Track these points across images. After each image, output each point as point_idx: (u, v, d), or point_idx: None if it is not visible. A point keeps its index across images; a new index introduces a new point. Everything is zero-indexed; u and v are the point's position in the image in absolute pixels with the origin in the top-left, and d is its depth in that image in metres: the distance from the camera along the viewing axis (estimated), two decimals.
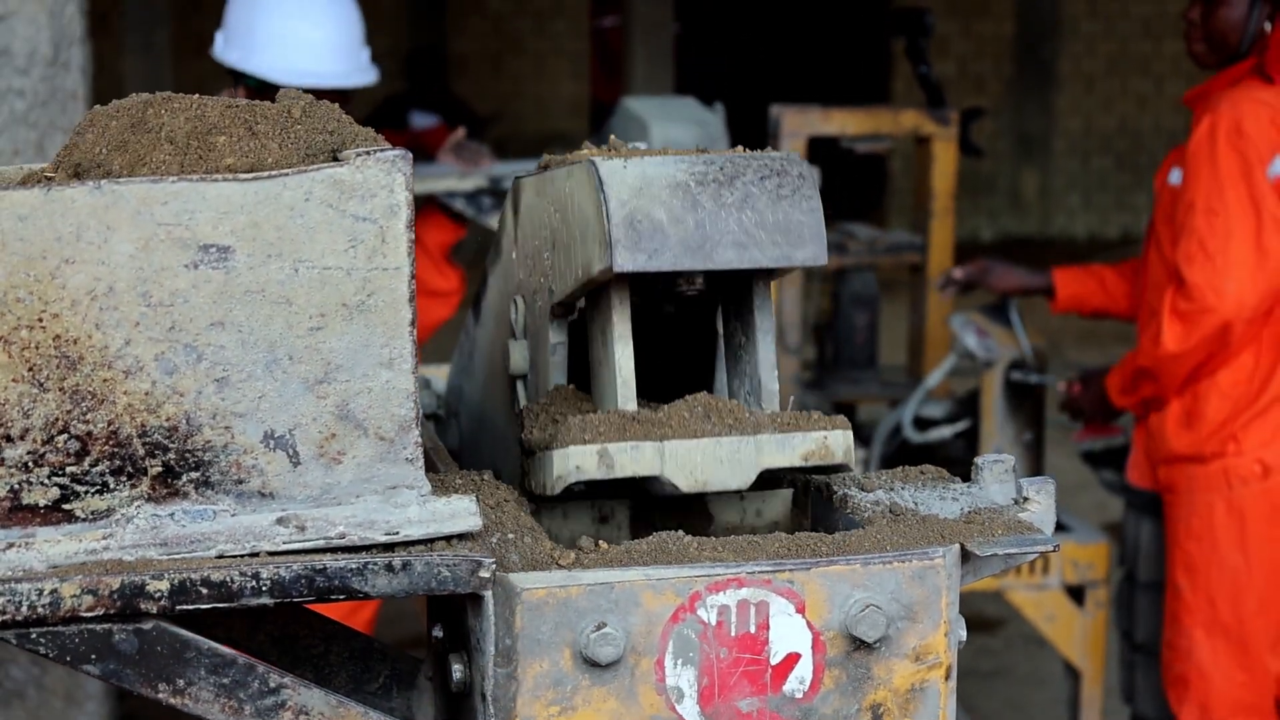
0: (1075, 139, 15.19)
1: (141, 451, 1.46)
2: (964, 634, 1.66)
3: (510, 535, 1.58)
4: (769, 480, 1.80)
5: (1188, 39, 4.12)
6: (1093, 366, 4.47)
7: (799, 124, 5.15)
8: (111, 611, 1.44)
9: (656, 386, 1.82)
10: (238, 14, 4.10)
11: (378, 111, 11.75)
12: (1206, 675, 3.97)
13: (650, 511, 1.84)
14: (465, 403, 2.28)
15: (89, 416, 1.45)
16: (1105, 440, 4.45)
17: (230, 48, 3.98)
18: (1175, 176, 4.07)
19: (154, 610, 1.45)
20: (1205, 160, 3.88)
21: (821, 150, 5.25)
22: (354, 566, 1.49)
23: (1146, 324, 4.03)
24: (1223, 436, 3.92)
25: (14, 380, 1.42)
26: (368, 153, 1.45)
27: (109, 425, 1.45)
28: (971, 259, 4.76)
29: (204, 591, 1.45)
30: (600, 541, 1.61)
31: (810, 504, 1.85)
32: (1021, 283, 4.56)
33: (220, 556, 1.49)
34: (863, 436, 5.01)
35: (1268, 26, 3.99)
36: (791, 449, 1.68)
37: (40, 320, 1.41)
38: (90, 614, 1.44)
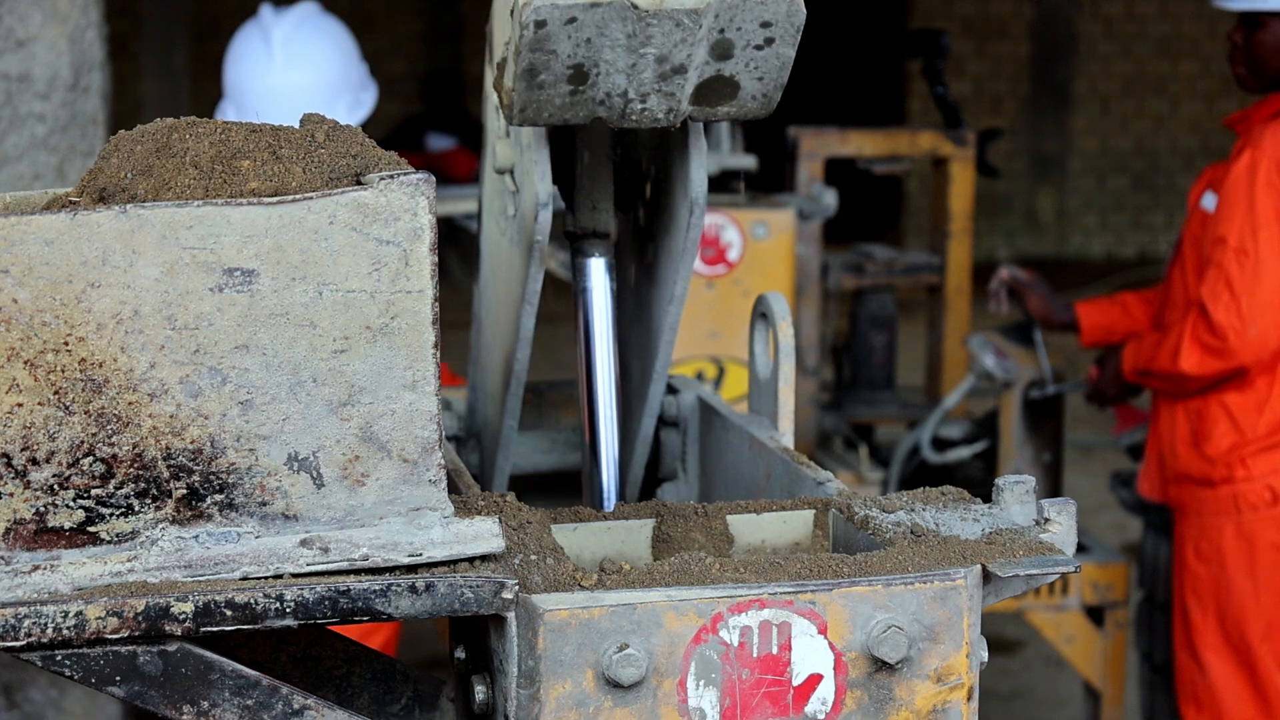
0: (1091, 159, 15.17)
1: (166, 474, 1.47)
2: (985, 655, 1.66)
3: (533, 556, 1.59)
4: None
5: (1231, 61, 4.12)
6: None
7: (816, 145, 5.15)
8: (136, 633, 1.45)
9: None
10: (229, 77, 4.04)
11: (395, 133, 11.79)
12: (1218, 696, 3.96)
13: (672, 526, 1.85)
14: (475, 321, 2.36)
15: (114, 439, 1.45)
16: (1143, 427, 4.45)
17: (233, 114, 3.92)
18: (1209, 201, 4.07)
19: (178, 632, 1.46)
20: (1243, 197, 3.88)
21: (839, 172, 5.25)
22: (378, 588, 1.49)
23: (1166, 334, 4.03)
24: (1230, 461, 3.92)
25: (40, 404, 1.43)
26: (391, 176, 1.46)
27: (134, 448, 1.46)
28: (1026, 269, 4.75)
29: (228, 613, 1.46)
30: (623, 563, 1.61)
31: (831, 525, 1.85)
32: (1048, 315, 4.54)
33: (244, 578, 1.49)
34: (881, 458, 5.00)
35: None
36: None
37: (66, 344, 1.42)
38: (115, 636, 1.44)
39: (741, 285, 4.76)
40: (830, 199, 5.03)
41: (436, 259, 1.48)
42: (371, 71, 4.43)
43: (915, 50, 5.62)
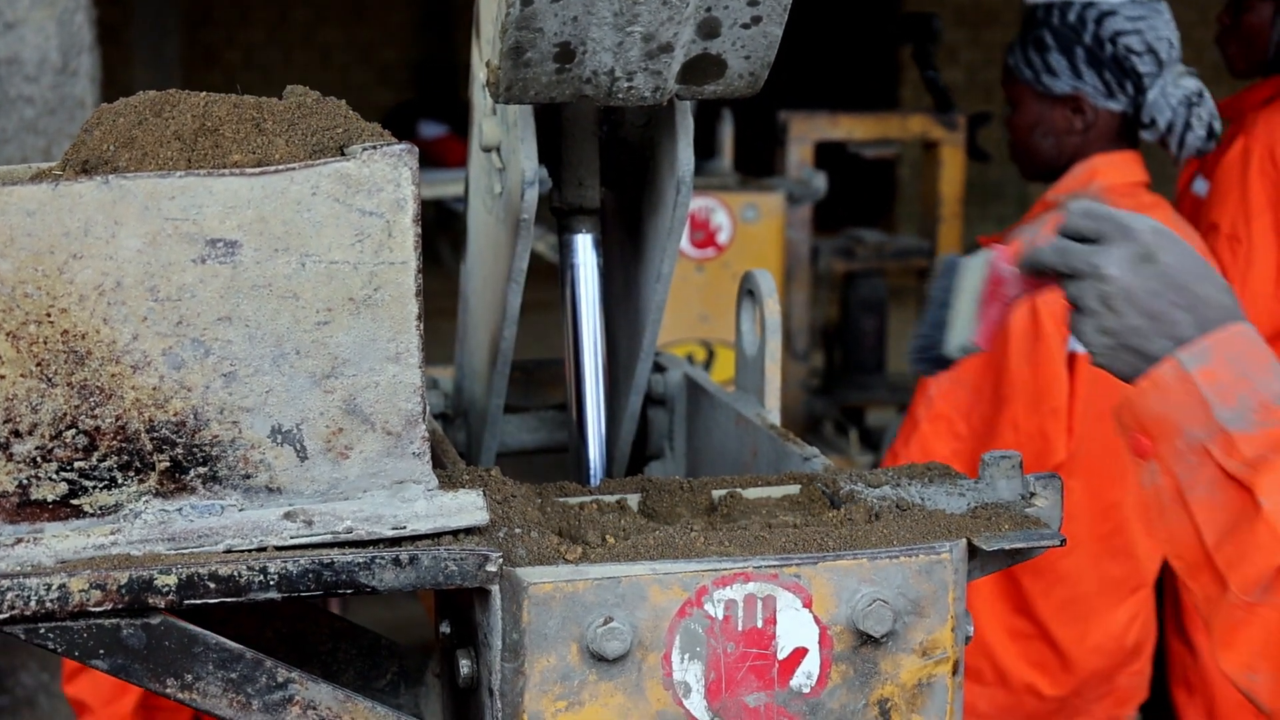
0: None
1: (149, 446, 1.47)
2: (971, 629, 1.66)
3: (517, 530, 1.59)
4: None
5: (1220, 43, 4.12)
6: None
7: (807, 129, 5.16)
8: (119, 606, 1.44)
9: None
10: None
11: (387, 121, 11.75)
12: (1209, 679, 3.97)
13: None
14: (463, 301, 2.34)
15: (97, 411, 1.45)
16: None
17: None
18: (1199, 186, 4.07)
19: (162, 605, 1.45)
20: (1235, 184, 3.89)
21: (829, 156, 5.25)
22: (361, 561, 1.49)
23: None
24: None
25: (22, 375, 1.43)
26: (374, 147, 1.46)
27: (117, 420, 1.46)
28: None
29: (212, 586, 1.46)
30: (608, 536, 1.61)
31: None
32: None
33: (228, 551, 1.49)
34: (871, 441, 5.01)
35: None
36: None
37: (48, 315, 1.42)
38: (98, 609, 1.44)
39: (731, 268, 4.77)
40: (820, 182, 5.04)
41: (420, 230, 1.48)
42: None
43: (907, 34, 5.63)
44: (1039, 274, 1.69)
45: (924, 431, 3.33)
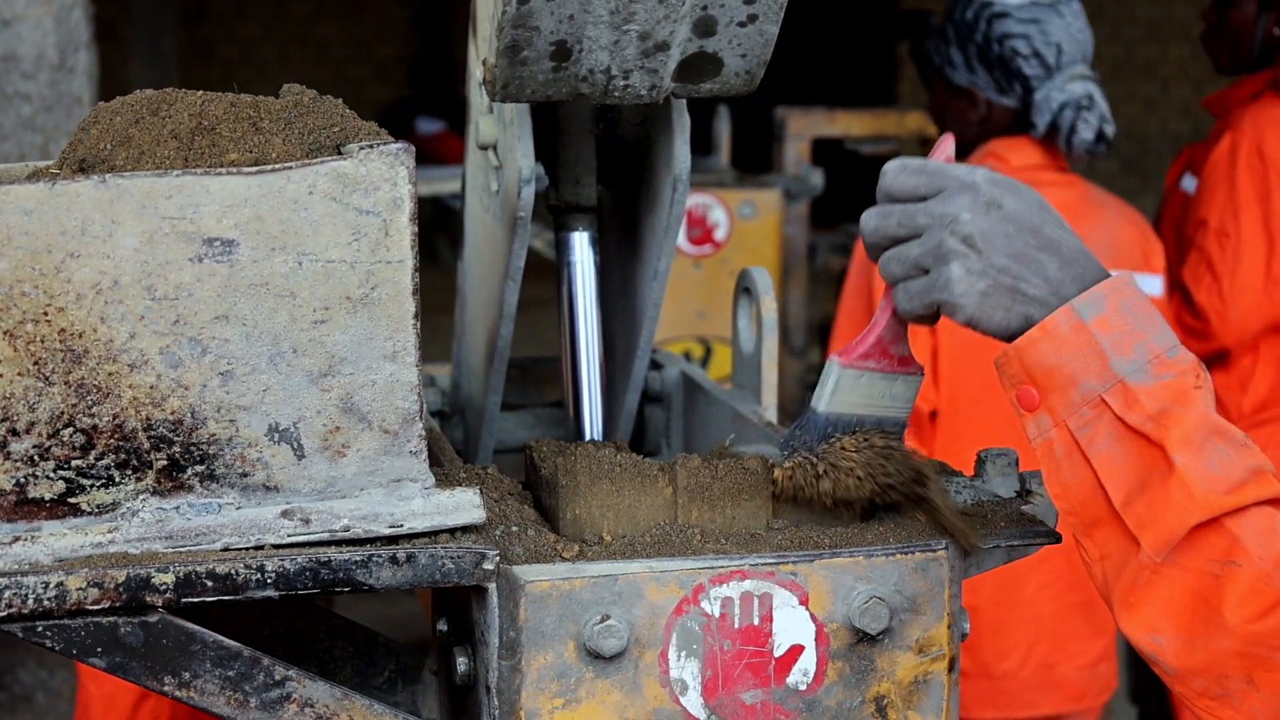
0: None
1: (146, 445, 1.47)
2: (967, 626, 1.66)
3: (514, 528, 1.59)
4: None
5: (1205, 41, 4.14)
6: None
7: (804, 126, 5.16)
8: (117, 604, 1.45)
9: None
10: None
11: (384, 117, 11.77)
12: None
13: None
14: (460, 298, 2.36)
15: (94, 410, 1.45)
16: None
17: None
18: (1188, 183, 4.09)
19: (159, 603, 1.45)
20: (1223, 179, 3.90)
21: (827, 152, 5.26)
22: (359, 559, 1.49)
23: None
24: None
25: (19, 374, 1.43)
26: (371, 146, 1.46)
27: (114, 419, 1.46)
28: None
29: (209, 584, 1.46)
30: (604, 534, 1.62)
31: None
32: None
33: (225, 549, 1.49)
34: None
35: (1276, 31, 4.01)
36: None
37: (45, 314, 1.42)
38: (96, 607, 1.44)
39: (728, 265, 4.77)
40: (817, 179, 5.04)
41: (417, 229, 1.48)
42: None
43: (904, 31, 5.63)
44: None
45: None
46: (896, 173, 1.58)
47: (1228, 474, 1.46)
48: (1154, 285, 3.48)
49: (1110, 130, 3.39)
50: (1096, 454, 1.49)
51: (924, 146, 5.28)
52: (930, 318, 1.58)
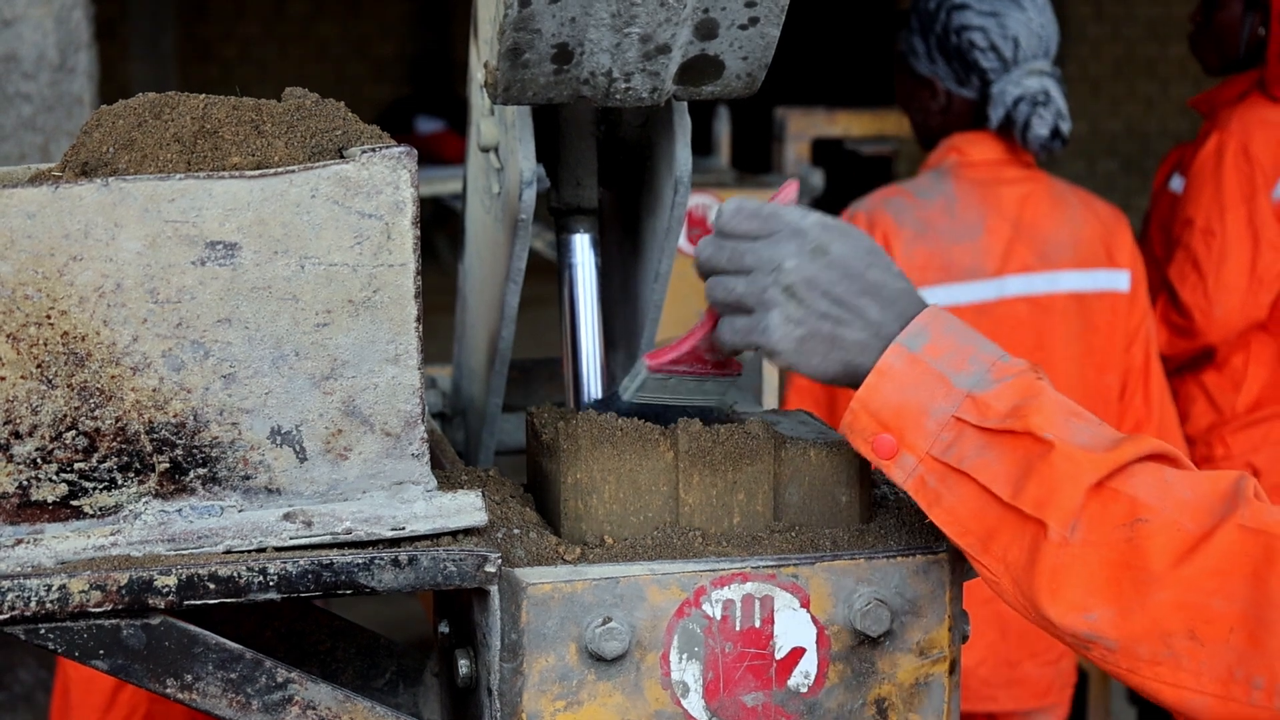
0: (1081, 142, 15.17)
1: (149, 448, 1.47)
2: (968, 629, 1.66)
3: (516, 530, 1.59)
4: None
5: (1192, 42, 4.15)
6: None
7: (804, 126, 5.16)
8: (119, 607, 1.45)
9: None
10: None
11: (383, 116, 11.78)
12: None
13: None
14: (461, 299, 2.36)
15: (97, 413, 1.45)
16: None
17: None
18: (1176, 184, 4.10)
19: (162, 606, 1.46)
20: (1209, 179, 3.91)
21: (827, 152, 5.26)
22: (360, 561, 1.50)
23: None
24: (1210, 440, 3.94)
25: (22, 377, 1.43)
26: (373, 150, 1.46)
27: (117, 422, 1.46)
28: None
29: (211, 587, 1.46)
30: (606, 536, 1.62)
31: None
32: None
33: (228, 552, 1.50)
34: None
35: (1262, 31, 4.02)
36: None
37: (48, 317, 1.42)
38: (98, 609, 1.44)
39: None
40: (817, 179, 5.04)
41: (419, 233, 1.48)
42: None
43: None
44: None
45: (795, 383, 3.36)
46: (732, 215, 1.63)
47: (1099, 441, 1.49)
48: (1119, 280, 3.48)
49: (1066, 127, 3.39)
50: (970, 464, 1.52)
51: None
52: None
